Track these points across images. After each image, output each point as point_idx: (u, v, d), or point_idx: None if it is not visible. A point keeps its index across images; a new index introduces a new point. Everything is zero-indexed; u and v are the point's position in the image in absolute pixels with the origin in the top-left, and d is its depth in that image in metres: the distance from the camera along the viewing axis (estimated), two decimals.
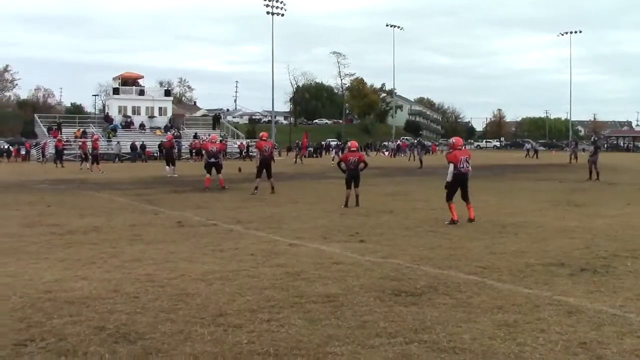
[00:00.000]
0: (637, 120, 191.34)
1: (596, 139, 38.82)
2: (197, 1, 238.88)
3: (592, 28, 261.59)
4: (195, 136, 74.91)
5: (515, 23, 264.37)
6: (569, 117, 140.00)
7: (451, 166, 16.20)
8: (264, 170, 24.75)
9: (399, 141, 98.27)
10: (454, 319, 7.59)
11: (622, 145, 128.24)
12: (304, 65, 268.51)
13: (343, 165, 20.34)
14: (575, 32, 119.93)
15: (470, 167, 16.59)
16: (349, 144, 21.52)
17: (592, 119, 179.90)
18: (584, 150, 65.75)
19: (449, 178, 16.24)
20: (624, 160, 63.33)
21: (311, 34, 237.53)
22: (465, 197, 16.51)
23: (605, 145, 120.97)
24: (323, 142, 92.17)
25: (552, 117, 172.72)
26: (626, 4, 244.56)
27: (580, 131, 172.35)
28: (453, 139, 17.63)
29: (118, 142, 66.80)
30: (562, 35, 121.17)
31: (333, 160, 51.55)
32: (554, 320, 7.52)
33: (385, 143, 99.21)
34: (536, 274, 10.17)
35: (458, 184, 16.34)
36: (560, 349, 6.58)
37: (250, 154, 63.91)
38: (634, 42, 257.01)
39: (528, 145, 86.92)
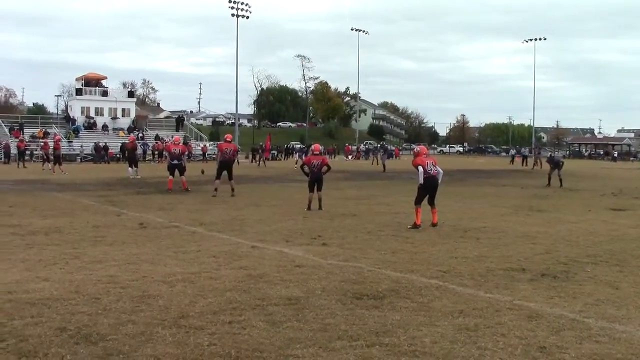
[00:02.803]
0: (600, 128, 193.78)
1: (553, 155, 38.98)
2: (162, 2, 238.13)
3: (556, 35, 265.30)
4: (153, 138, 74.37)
5: (481, 29, 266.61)
6: (532, 124, 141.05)
7: (421, 168, 16.28)
8: (225, 172, 24.73)
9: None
10: (415, 323, 7.63)
11: (584, 152, 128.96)
12: (268, 68, 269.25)
13: (306, 168, 20.39)
14: (540, 39, 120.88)
15: (440, 170, 16.68)
16: (312, 147, 21.58)
17: (555, 126, 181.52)
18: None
19: (420, 180, 16.32)
20: (586, 167, 64.05)
21: (276, 37, 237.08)
22: (432, 201, 16.61)
23: (568, 152, 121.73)
24: (286, 145, 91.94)
25: (515, 123, 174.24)
26: (590, 13, 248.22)
27: (543, 137, 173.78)
28: (418, 148, 17.81)
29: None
30: (527, 42, 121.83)
31: (296, 163, 51.57)
32: (514, 325, 7.58)
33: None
34: (497, 278, 10.26)
35: (429, 188, 16.43)
36: (520, 353, 6.64)
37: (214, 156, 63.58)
38: (597, 50, 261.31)
39: (513, 151, 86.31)
